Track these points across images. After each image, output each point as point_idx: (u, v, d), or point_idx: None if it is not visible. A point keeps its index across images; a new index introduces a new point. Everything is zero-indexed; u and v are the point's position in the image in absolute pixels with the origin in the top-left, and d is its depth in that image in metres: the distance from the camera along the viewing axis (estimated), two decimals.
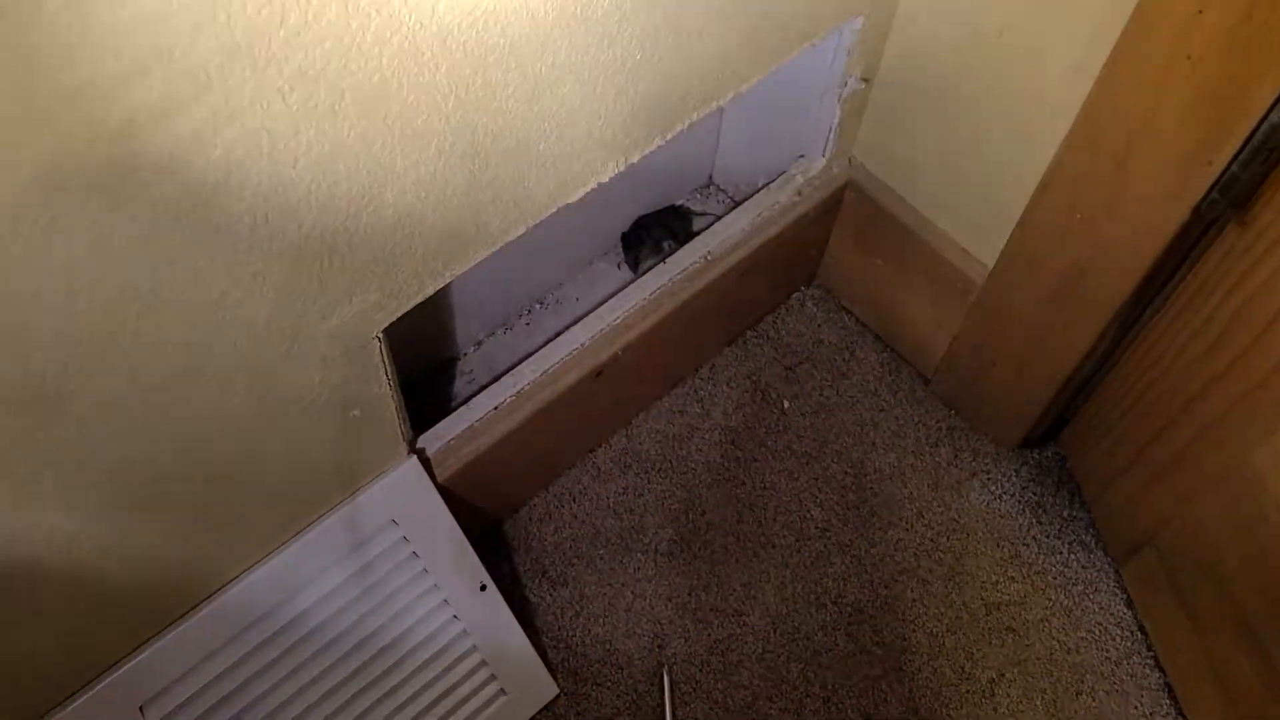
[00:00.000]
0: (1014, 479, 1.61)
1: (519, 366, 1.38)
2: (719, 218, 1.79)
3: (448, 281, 1.06)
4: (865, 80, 1.43)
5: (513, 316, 1.68)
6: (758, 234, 1.52)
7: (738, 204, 1.80)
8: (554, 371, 1.38)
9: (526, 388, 1.37)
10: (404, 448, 1.24)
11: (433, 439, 1.32)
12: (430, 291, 1.05)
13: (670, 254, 1.74)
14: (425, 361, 1.60)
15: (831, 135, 1.50)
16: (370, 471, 1.25)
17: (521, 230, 1.09)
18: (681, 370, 1.68)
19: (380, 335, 1.05)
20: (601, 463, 1.60)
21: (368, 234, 0.91)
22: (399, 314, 1.04)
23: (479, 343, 1.66)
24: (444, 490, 1.31)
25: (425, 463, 1.30)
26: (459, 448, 1.32)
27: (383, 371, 1.10)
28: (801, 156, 1.57)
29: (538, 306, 1.70)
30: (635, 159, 1.16)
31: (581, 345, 1.40)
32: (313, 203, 0.83)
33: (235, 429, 0.98)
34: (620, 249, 1.76)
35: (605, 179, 1.14)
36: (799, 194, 1.55)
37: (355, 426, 1.14)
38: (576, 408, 1.45)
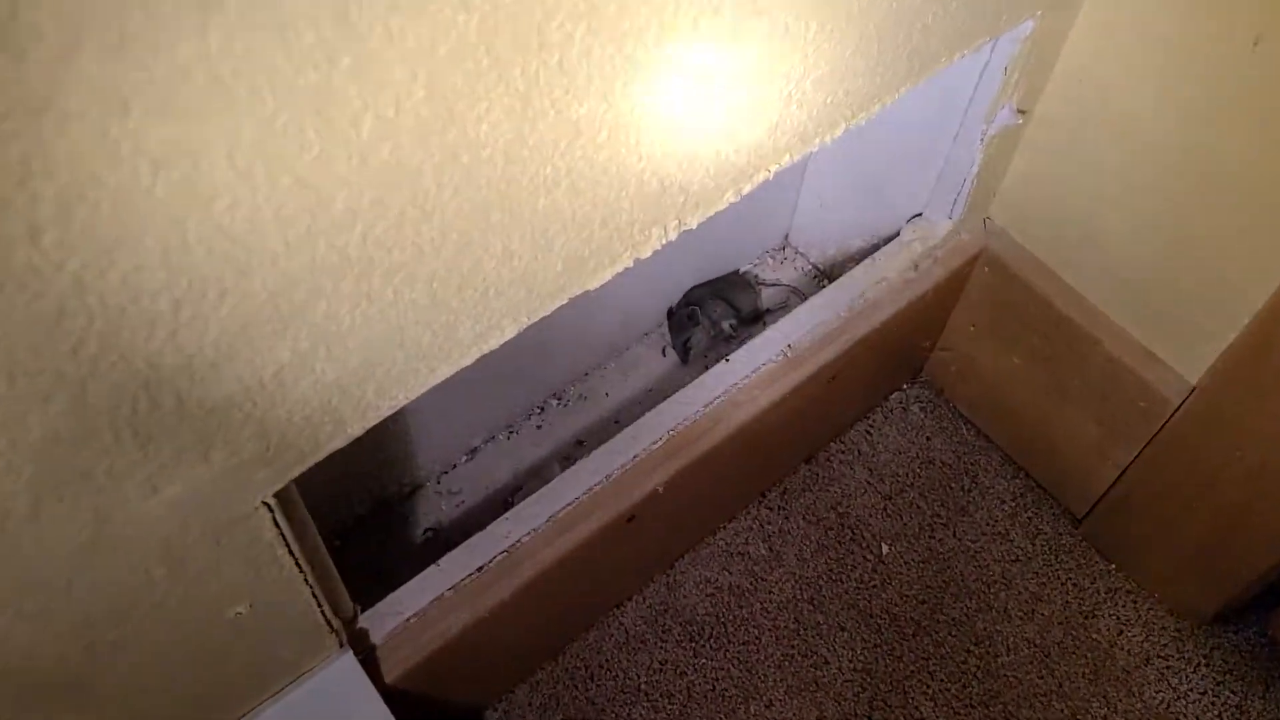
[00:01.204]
0: (1204, 669, 1.17)
1: (518, 510, 0.97)
2: (795, 291, 1.38)
3: (388, 413, 0.66)
4: (1022, 112, 1.01)
5: (518, 417, 1.27)
6: (858, 321, 1.10)
7: (823, 274, 1.40)
8: (566, 517, 0.97)
9: (526, 540, 0.96)
10: (333, 639, 0.83)
11: (382, 619, 0.91)
12: (358, 431, 0.65)
13: (733, 338, 1.33)
14: (392, 484, 1.20)
15: (965, 189, 1.09)
16: (285, 674, 0.84)
17: (512, 332, 0.68)
18: (742, 499, 1.26)
19: (270, 502, 0.65)
20: (631, 623, 1.18)
21: (217, 364, 0.51)
22: (299, 470, 0.64)
23: (472, 451, 1.25)
24: (395, 693, 0.90)
25: (369, 654, 0.89)
26: (420, 633, 0.91)
27: (281, 549, 0.69)
28: (918, 216, 1.16)
29: (553, 403, 1.29)
30: (693, 223, 0.76)
31: (607, 479, 0.99)
32: (102, 310, 0.44)
33: (70, 628, 0.59)
34: (665, 329, 1.35)
35: (646, 253, 0.74)
36: (914, 267, 1.14)
37: (245, 625, 0.73)
38: (596, 564, 1.04)
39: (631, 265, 0.74)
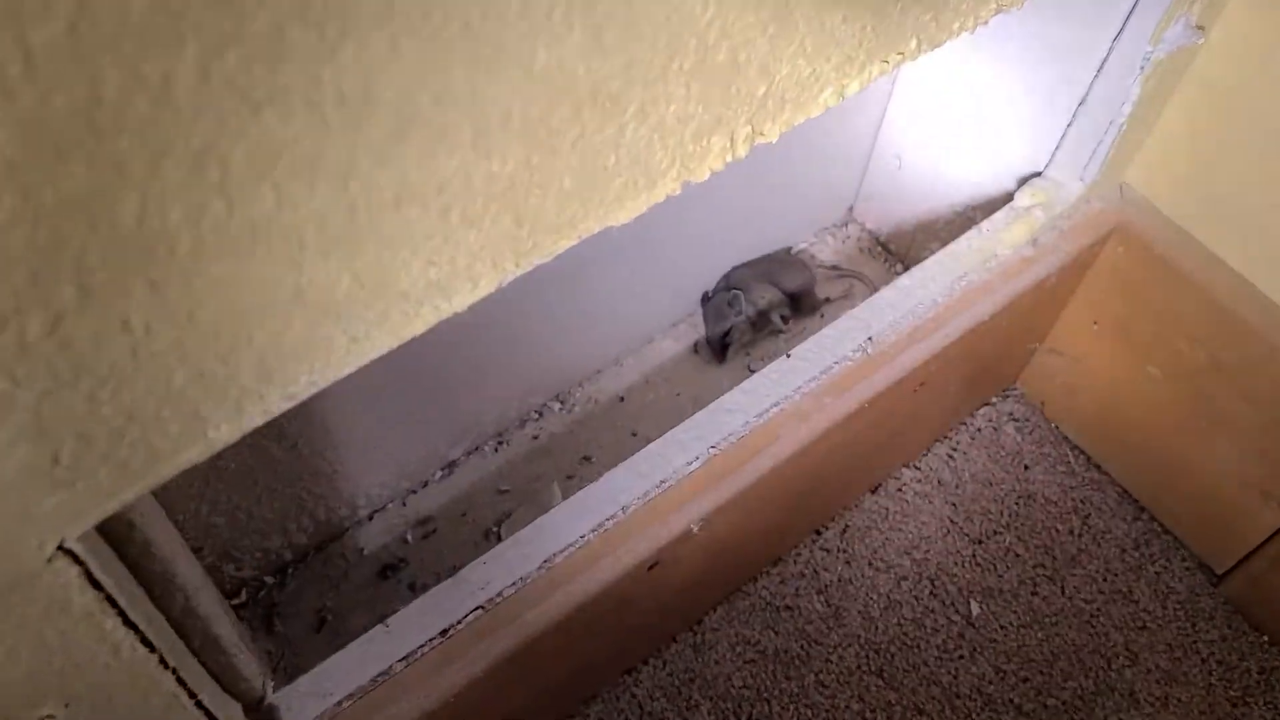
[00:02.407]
0: None
1: (503, 550, 0.71)
2: (859, 277, 1.12)
3: (283, 408, 0.40)
4: (1201, 29, 0.76)
5: (509, 423, 1.02)
6: (959, 310, 0.85)
7: (894, 255, 1.13)
8: (567, 565, 0.71)
9: (511, 594, 0.70)
10: None
11: (303, 703, 0.65)
12: (230, 436, 0.39)
13: (782, 333, 1.07)
14: (342, 506, 0.94)
15: (1108, 139, 0.83)
16: None
17: (489, 287, 0.43)
18: (792, 537, 1.00)
19: (75, 549, 0.38)
20: (646, 695, 0.93)
21: None
22: (126, 498, 0.38)
23: (449, 466, 1.00)
24: None
25: None
26: None
27: (110, 619, 0.43)
28: (1036, 177, 0.90)
29: (554, 407, 1.04)
30: (773, 133, 0.50)
31: (625, 511, 0.73)
32: None
33: None
34: (698, 318, 1.10)
35: (700, 174, 0.48)
36: (1033, 242, 0.88)
37: None
38: (604, 623, 0.78)
39: (677, 192, 0.49)
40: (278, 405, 0.41)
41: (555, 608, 0.72)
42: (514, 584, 0.71)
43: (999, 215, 0.89)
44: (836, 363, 0.81)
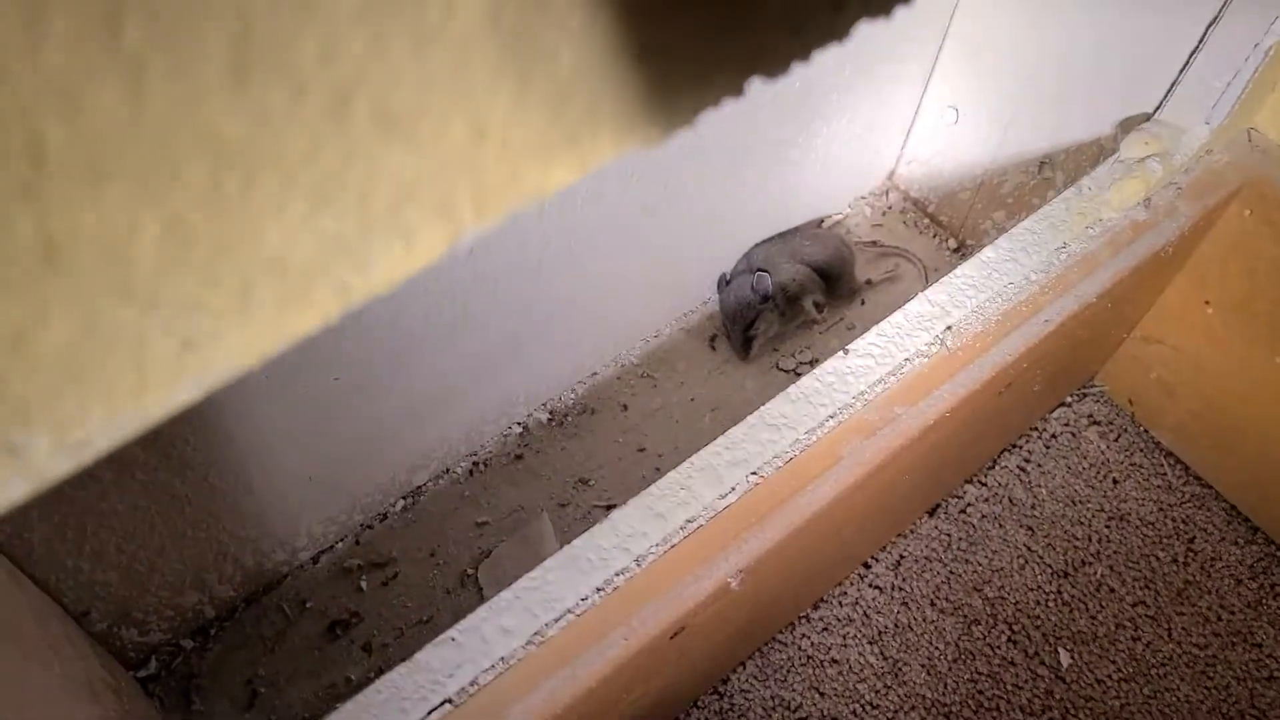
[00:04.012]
0: None
1: (478, 621, 0.53)
2: (904, 254, 0.94)
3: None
4: None
5: (488, 439, 0.84)
6: (1060, 291, 0.67)
7: (945, 229, 0.95)
8: (565, 639, 0.53)
9: (488, 682, 0.52)
10: None
11: None
12: None
13: (817, 323, 0.89)
14: (279, 548, 0.76)
15: (1245, 73, 0.66)
16: None
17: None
18: (837, 571, 0.83)
19: None
20: None
21: None
22: None
23: (413, 494, 0.81)
24: None
25: None
26: None
27: None
28: (1146, 120, 0.72)
29: (542, 418, 0.86)
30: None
31: (640, 564, 0.55)
32: None
33: None
34: (714, 304, 0.92)
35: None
36: (1145, 203, 0.70)
37: None
38: (613, 706, 0.60)
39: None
40: (54, 463, 0.23)
41: (548, 699, 0.54)
42: (492, 668, 0.53)
43: (1102, 170, 0.71)
44: (909, 360, 0.63)
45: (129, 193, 0.20)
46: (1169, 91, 0.71)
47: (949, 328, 0.65)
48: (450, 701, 0.53)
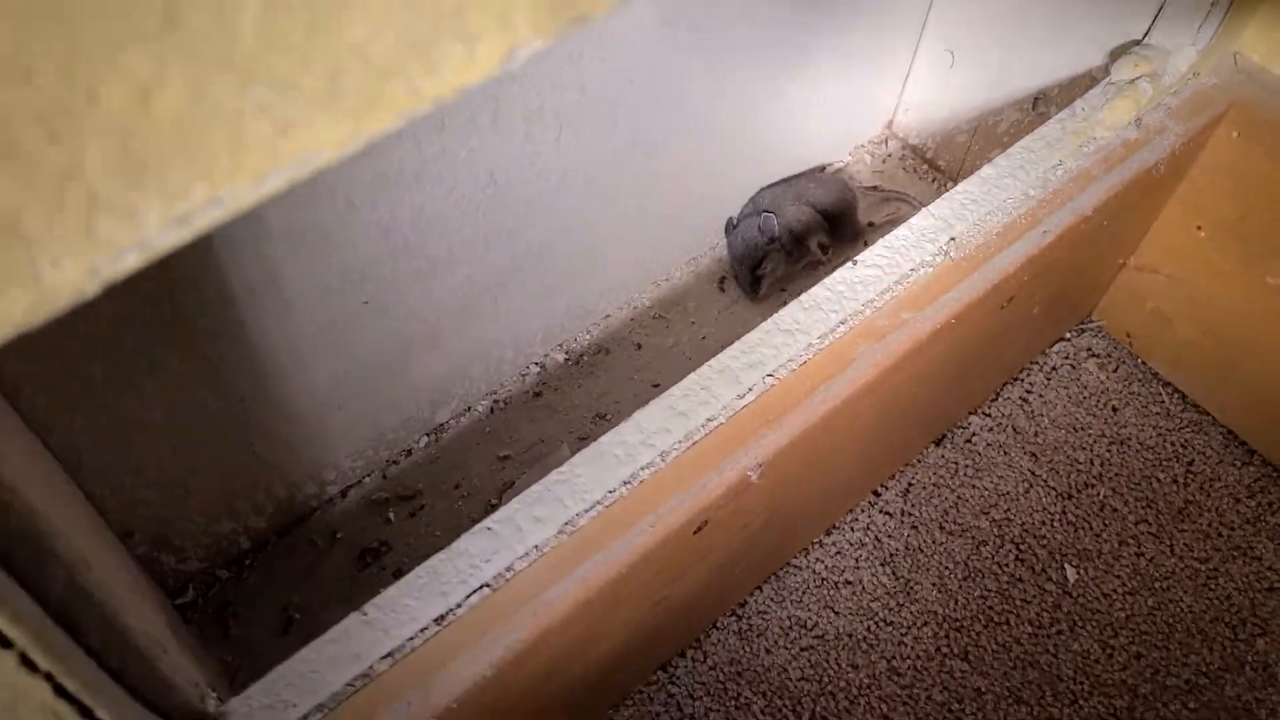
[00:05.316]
0: None
1: (507, 514, 0.56)
2: (904, 198, 0.97)
3: (108, 274, 0.24)
4: None
5: (507, 377, 0.87)
6: (1056, 205, 0.70)
7: (945, 174, 0.97)
8: (593, 529, 0.56)
9: (522, 569, 0.54)
10: None
11: (262, 716, 0.49)
12: (58, 298, 0.23)
13: (823, 263, 0.92)
14: (310, 482, 0.79)
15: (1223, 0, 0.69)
16: None
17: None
18: (848, 498, 0.85)
19: None
20: (685, 692, 0.79)
21: None
22: None
23: (436, 430, 0.84)
24: None
25: None
26: None
27: None
28: (1137, 45, 0.75)
29: (558, 357, 0.88)
30: None
31: (664, 459, 0.58)
32: None
33: None
34: (723, 250, 0.95)
35: None
36: (1136, 122, 0.73)
37: None
38: (635, 604, 0.63)
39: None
40: (159, 235, 0.25)
41: (580, 585, 0.56)
42: (526, 555, 0.56)
43: (1094, 92, 0.74)
44: (914, 269, 0.66)
45: None
46: (1156, 16, 0.74)
47: (952, 239, 0.68)
48: (488, 585, 0.55)
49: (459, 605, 0.55)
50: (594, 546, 0.57)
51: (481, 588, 0.55)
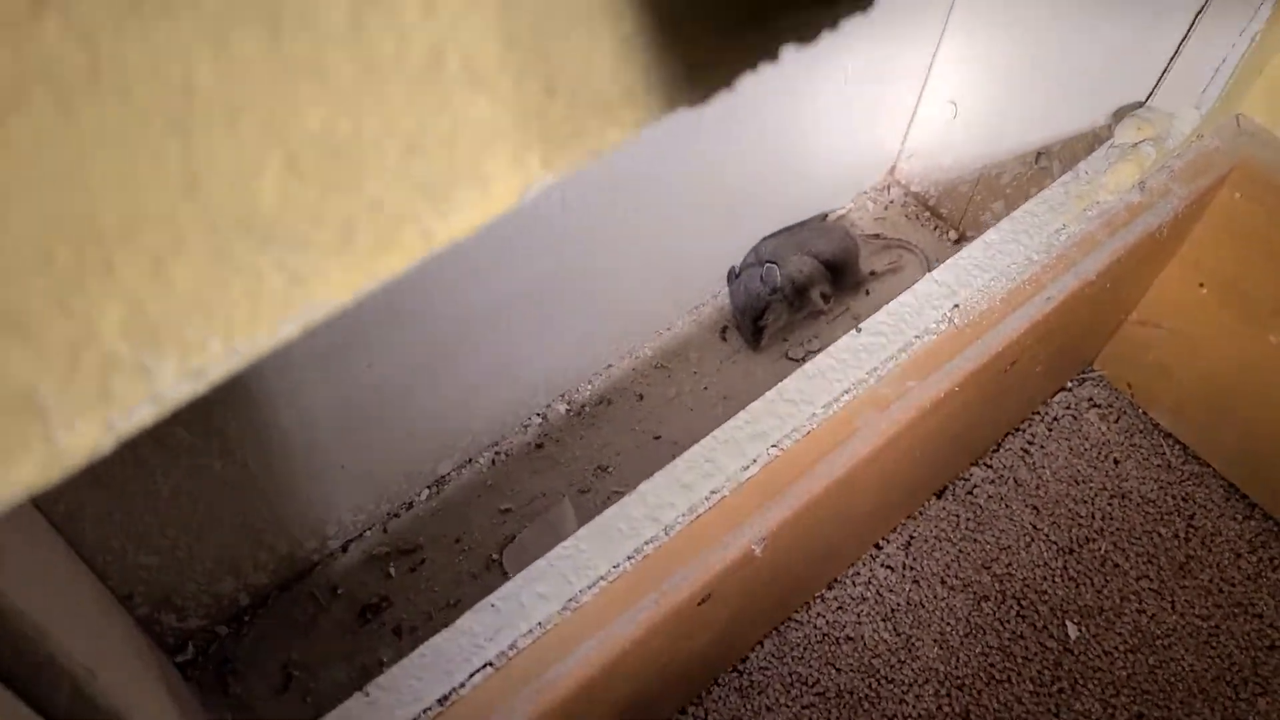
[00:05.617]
0: None
1: (513, 591, 0.56)
2: (906, 246, 0.97)
3: (123, 430, 0.24)
4: None
5: (509, 429, 0.86)
6: (1060, 270, 0.70)
7: (946, 221, 0.98)
8: (597, 605, 0.56)
9: (524, 645, 0.54)
10: None
11: None
12: (73, 458, 0.23)
13: (824, 314, 0.92)
14: (310, 536, 0.79)
15: (1233, 58, 0.69)
16: None
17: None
18: (850, 553, 0.85)
19: None
20: None
21: None
22: None
23: (438, 483, 0.84)
24: None
25: None
26: None
27: None
28: (1139, 107, 0.76)
29: (560, 408, 0.88)
30: None
31: (667, 532, 0.58)
32: None
33: None
34: (724, 298, 0.95)
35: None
36: (1140, 186, 0.73)
37: None
38: (640, 674, 0.63)
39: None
40: (174, 388, 0.25)
41: (582, 662, 0.56)
42: (530, 632, 0.56)
43: (1098, 155, 0.74)
44: (918, 337, 0.66)
45: (259, 129, 0.23)
46: (1159, 79, 0.75)
47: (956, 305, 0.68)
48: (491, 664, 0.55)
49: (462, 684, 0.54)
50: (597, 623, 0.57)
51: (485, 666, 0.55)
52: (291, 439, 0.69)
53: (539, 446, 0.88)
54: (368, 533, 0.83)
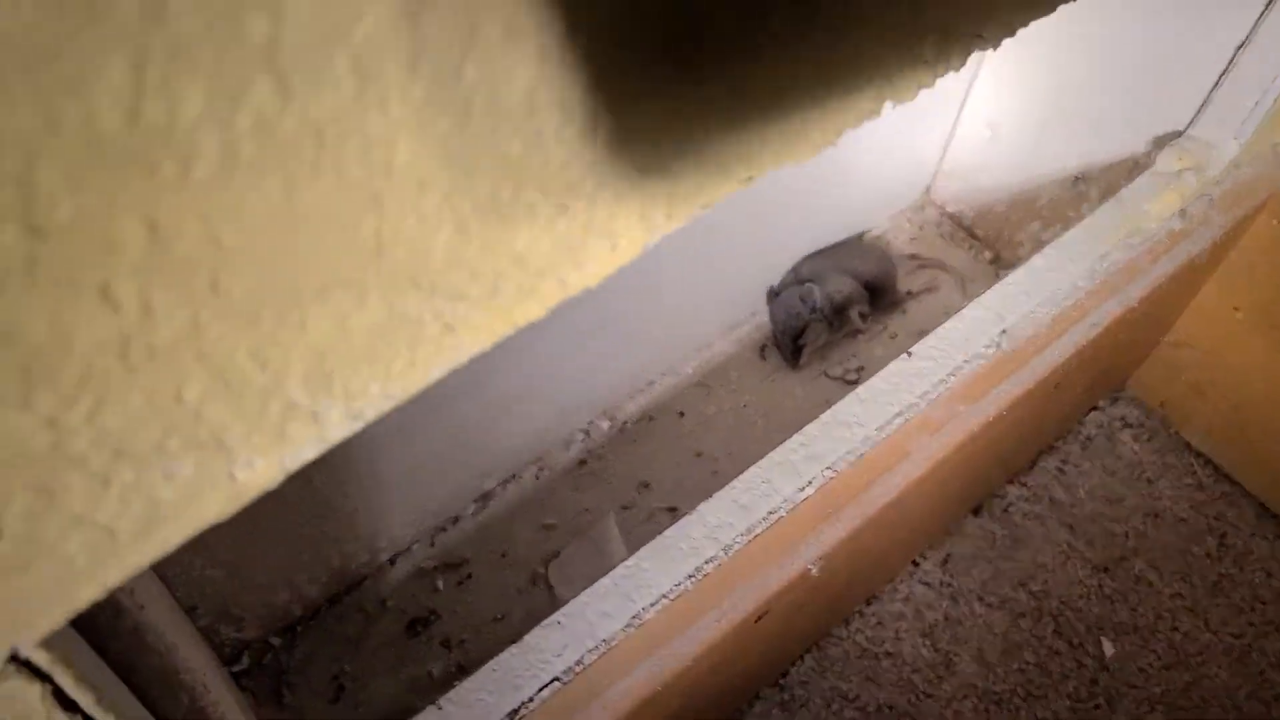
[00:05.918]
0: None
1: (579, 608, 0.58)
2: (942, 266, 0.99)
3: (291, 466, 0.26)
4: None
5: (552, 446, 0.88)
6: (1104, 296, 0.72)
7: (980, 240, 1.00)
8: (661, 622, 0.58)
9: (590, 661, 0.56)
10: None
11: None
12: (250, 493, 0.25)
13: (862, 332, 0.94)
14: (361, 551, 0.80)
15: (1272, 93, 0.71)
16: None
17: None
18: (891, 570, 0.87)
19: (31, 662, 0.24)
20: None
21: None
22: (102, 588, 0.23)
23: (483, 498, 0.86)
24: None
25: None
26: None
27: None
28: (1179, 136, 0.77)
29: (602, 425, 0.90)
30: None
31: (725, 554, 0.59)
32: None
33: None
34: (763, 317, 0.97)
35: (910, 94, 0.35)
36: (1181, 214, 0.75)
37: None
38: (698, 691, 0.64)
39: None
40: (337, 429, 0.27)
41: (646, 677, 0.58)
42: (595, 649, 0.58)
43: (1141, 182, 0.76)
44: (968, 361, 0.68)
45: (439, 198, 0.25)
46: (1200, 110, 0.76)
47: (1004, 331, 0.70)
48: (559, 679, 0.57)
49: (530, 699, 0.56)
50: (660, 640, 0.59)
51: (552, 681, 0.57)
52: (356, 456, 0.71)
53: (582, 463, 0.90)
54: (415, 545, 0.85)
